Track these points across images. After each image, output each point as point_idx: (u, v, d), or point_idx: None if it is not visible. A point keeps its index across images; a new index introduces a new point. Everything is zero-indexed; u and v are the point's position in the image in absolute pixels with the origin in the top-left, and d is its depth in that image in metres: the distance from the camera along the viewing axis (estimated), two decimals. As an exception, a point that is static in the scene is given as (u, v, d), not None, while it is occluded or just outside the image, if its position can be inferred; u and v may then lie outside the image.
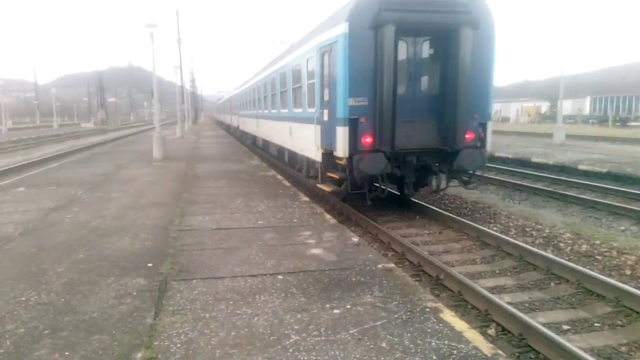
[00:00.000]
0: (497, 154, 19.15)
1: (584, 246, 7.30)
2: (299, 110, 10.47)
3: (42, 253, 5.46)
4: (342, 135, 7.54)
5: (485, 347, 3.30)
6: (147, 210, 7.84)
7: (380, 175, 7.57)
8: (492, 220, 9.11)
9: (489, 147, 8.47)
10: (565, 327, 4.78)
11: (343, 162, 7.80)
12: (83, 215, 7.47)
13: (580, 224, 9.01)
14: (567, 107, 54.53)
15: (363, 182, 8.09)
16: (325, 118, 8.31)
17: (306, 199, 8.99)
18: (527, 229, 8.37)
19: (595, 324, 4.84)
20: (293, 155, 11.89)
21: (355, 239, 6.09)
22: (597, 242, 7.46)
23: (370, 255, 5.38)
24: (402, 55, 7.62)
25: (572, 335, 4.61)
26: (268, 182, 11.02)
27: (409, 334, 3.47)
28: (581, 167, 14.82)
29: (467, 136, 7.87)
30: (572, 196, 11.18)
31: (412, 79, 7.79)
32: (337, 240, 5.97)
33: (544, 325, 4.49)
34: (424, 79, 7.96)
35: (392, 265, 5.14)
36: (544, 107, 71.60)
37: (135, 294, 4.24)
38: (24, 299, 4.13)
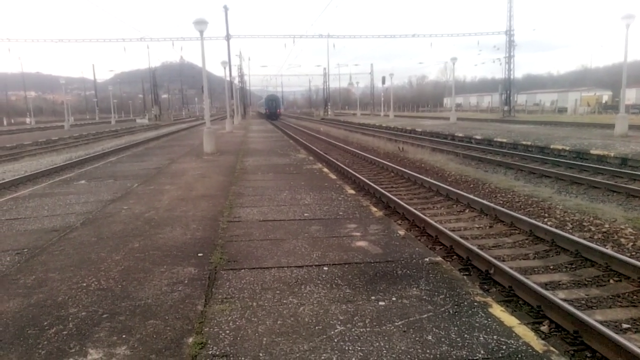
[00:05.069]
0: (552, 146, 18.32)
1: (648, 242, 6.88)
2: (264, 107, 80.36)
3: (101, 242, 5.76)
4: (264, 109, 78.57)
5: (537, 344, 3.18)
6: (197, 202, 8.10)
7: (266, 115, 74.09)
8: (546, 215, 8.76)
9: (282, 112, 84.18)
10: (625, 325, 4.54)
11: (265, 113, 76.71)
12: (138, 207, 7.81)
13: (644, 218, 8.49)
14: (631, 95, 51.37)
15: (267, 116, 72.58)
16: (265, 107, 77.63)
17: (352, 192, 8.98)
18: (584, 224, 7.99)
19: (659, 324, 4.56)
20: (262, 113, 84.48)
21: (402, 232, 6.02)
22: (663, 238, 7.01)
23: (417, 249, 5.31)
24: (270, 102, 77.20)
25: (632, 334, 4.38)
26: (314, 175, 11.09)
27: (455, 328, 3.40)
28: (645, 158, 13.93)
29: (278, 111, 76.78)
30: (635, 189, 10.53)
31: (272, 104, 76.75)
32: (382, 233, 5.93)
33: (601, 323, 4.28)
34: (274, 103, 77.02)
35: (439, 258, 5.04)
36: (606, 96, 67.80)
37: (186, 282, 4.39)
38: (85, 284, 4.38)
